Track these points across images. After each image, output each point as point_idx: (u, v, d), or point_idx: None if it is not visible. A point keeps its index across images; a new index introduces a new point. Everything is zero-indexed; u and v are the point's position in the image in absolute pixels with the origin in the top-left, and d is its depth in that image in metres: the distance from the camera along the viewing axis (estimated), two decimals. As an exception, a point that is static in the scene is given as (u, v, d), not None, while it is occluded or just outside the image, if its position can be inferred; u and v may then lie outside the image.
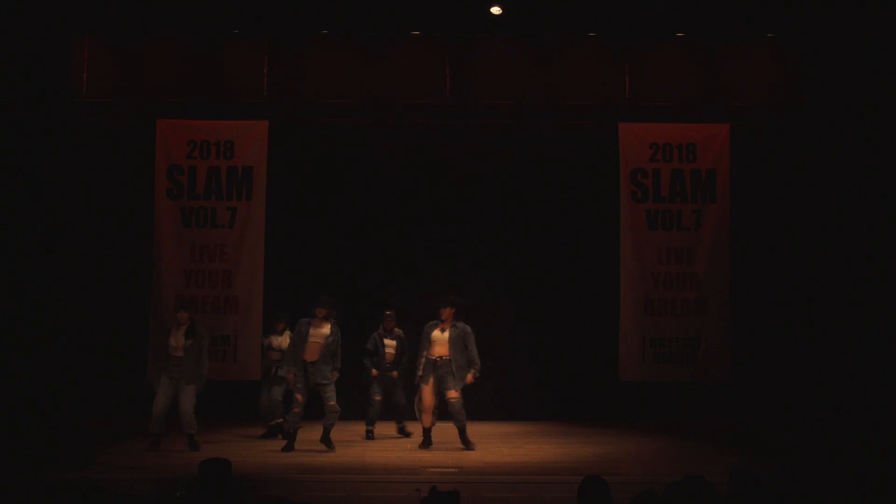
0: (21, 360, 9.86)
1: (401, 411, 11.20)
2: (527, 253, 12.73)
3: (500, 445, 10.52)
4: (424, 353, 10.28)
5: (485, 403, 12.23)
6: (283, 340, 10.93)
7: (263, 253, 12.51)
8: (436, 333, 10.24)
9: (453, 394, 10.09)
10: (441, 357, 10.17)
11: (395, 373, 11.13)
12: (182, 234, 12.50)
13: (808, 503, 5.11)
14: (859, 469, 8.02)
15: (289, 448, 9.93)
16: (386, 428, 11.11)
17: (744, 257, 12.58)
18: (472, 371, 10.14)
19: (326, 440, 10.03)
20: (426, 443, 10.23)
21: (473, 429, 11.24)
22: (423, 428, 10.29)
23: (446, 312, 10.25)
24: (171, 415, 9.96)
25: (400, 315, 12.26)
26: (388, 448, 10.34)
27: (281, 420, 10.69)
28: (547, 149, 12.85)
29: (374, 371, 11.10)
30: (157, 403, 9.88)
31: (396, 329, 11.33)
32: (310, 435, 10.36)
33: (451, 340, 10.16)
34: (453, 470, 8.99)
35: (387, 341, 11.25)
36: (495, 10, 11.94)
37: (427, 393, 10.21)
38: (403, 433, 11.09)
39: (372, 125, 12.74)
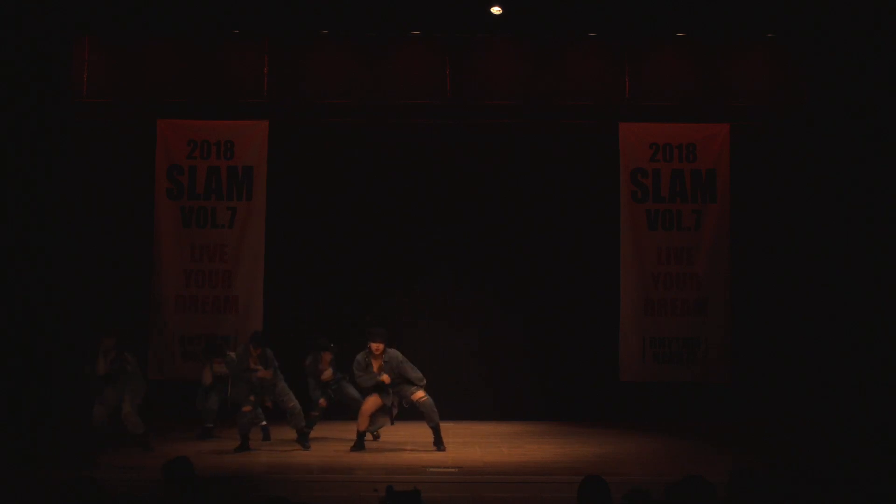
0: (22, 360, 9.86)
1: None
2: (527, 253, 12.73)
3: (500, 445, 10.51)
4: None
5: (485, 403, 12.25)
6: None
7: (263, 253, 12.51)
8: (375, 368, 9.99)
9: (420, 394, 9.99)
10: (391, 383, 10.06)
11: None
12: (182, 234, 12.51)
13: (808, 503, 5.12)
14: (859, 469, 8.03)
15: (243, 448, 9.94)
16: (385, 429, 11.09)
17: (744, 257, 12.58)
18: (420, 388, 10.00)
19: (303, 441, 10.14)
20: (359, 446, 10.08)
21: (474, 429, 11.27)
22: (359, 431, 10.10)
23: (379, 347, 9.98)
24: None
25: (398, 315, 12.28)
26: (388, 448, 10.34)
27: (211, 425, 10.77)
28: (547, 149, 12.84)
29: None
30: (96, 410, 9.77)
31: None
32: (310, 435, 10.36)
33: (388, 370, 9.98)
34: (453, 470, 8.99)
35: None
36: (495, 10, 11.95)
37: (372, 400, 10.05)
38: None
39: (372, 125, 12.74)
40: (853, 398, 11.14)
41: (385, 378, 9.95)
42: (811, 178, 12.36)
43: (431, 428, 10.02)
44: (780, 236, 12.53)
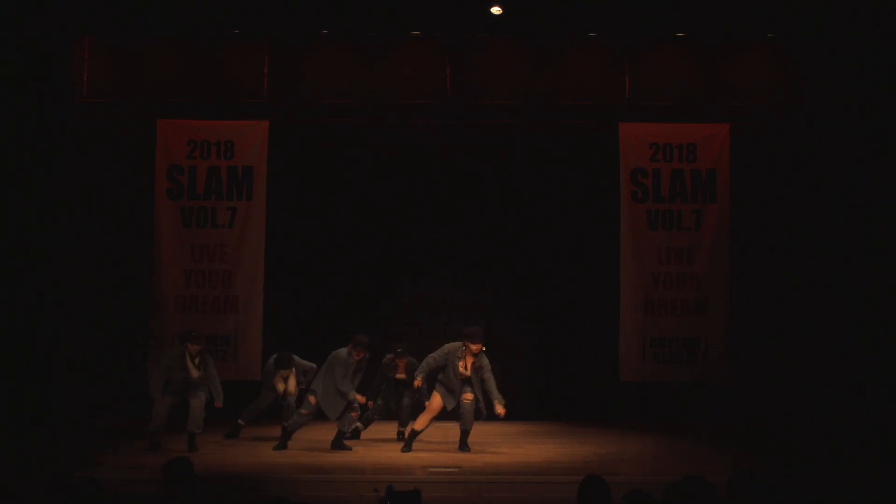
0: (22, 360, 9.86)
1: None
2: (527, 253, 12.73)
3: (500, 445, 10.51)
4: (440, 375, 10.08)
5: (485, 403, 12.25)
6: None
7: (263, 253, 12.51)
8: (461, 366, 9.99)
9: (469, 396, 10.01)
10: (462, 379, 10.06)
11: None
12: (182, 234, 12.50)
13: (808, 503, 5.12)
14: (859, 469, 8.03)
15: (282, 447, 10.00)
16: (385, 429, 11.10)
17: (744, 257, 12.58)
18: (500, 405, 9.95)
19: (338, 441, 10.13)
20: (409, 447, 10.08)
21: (474, 428, 11.23)
22: (414, 430, 10.13)
23: (478, 348, 9.98)
24: (172, 415, 9.98)
25: (397, 315, 12.28)
26: (388, 448, 10.34)
27: (244, 423, 10.82)
28: (547, 149, 12.84)
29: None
30: (160, 408, 9.91)
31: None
32: (310, 435, 10.36)
33: (474, 372, 10.02)
34: (453, 470, 8.98)
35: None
36: (495, 10, 11.95)
37: (438, 401, 10.08)
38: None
39: (372, 125, 12.74)
40: (853, 398, 11.13)
41: (468, 372, 9.95)
42: (811, 178, 12.35)
43: (462, 431, 10.08)
44: (780, 236, 12.53)
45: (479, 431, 10.98)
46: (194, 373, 9.96)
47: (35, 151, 10.34)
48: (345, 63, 12.74)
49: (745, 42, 12.80)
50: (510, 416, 12.07)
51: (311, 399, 10.09)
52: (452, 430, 10.63)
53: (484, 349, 10.03)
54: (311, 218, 12.71)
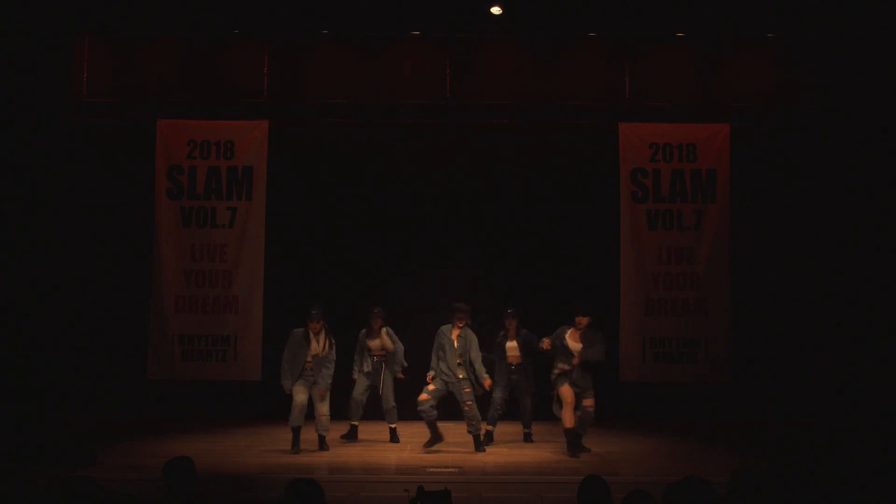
0: (21, 360, 9.85)
1: (526, 415, 11.02)
2: (527, 253, 12.73)
3: (500, 445, 10.52)
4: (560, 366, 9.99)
5: (485, 403, 12.24)
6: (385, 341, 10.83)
7: (263, 253, 12.51)
8: (572, 345, 9.98)
9: (590, 402, 9.97)
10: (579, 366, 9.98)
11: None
12: (182, 233, 12.51)
13: (808, 503, 5.11)
14: (859, 469, 8.03)
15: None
16: (382, 429, 11.08)
17: (744, 257, 12.59)
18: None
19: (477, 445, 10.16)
20: (574, 445, 10.00)
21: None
22: (566, 429, 10.00)
23: (582, 322, 9.98)
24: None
25: (397, 315, 12.26)
26: (388, 448, 10.34)
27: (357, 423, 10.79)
28: (547, 149, 12.85)
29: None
30: (297, 400, 9.97)
31: (522, 330, 10.99)
32: (310, 435, 10.35)
33: (587, 342, 9.97)
34: (453, 470, 8.99)
35: (508, 344, 10.93)
36: (495, 10, 11.97)
37: (568, 390, 9.97)
38: (528, 439, 10.92)
39: (372, 125, 12.75)
40: (853, 398, 11.13)
41: (576, 351, 9.93)
42: (811, 178, 12.36)
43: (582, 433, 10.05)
44: (780, 236, 12.54)
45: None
46: (316, 349, 10.01)
47: (35, 151, 10.33)
48: (345, 63, 12.75)
49: (745, 42, 12.81)
50: (510, 416, 12.12)
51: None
52: (452, 430, 10.62)
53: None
54: (311, 218, 12.71)
